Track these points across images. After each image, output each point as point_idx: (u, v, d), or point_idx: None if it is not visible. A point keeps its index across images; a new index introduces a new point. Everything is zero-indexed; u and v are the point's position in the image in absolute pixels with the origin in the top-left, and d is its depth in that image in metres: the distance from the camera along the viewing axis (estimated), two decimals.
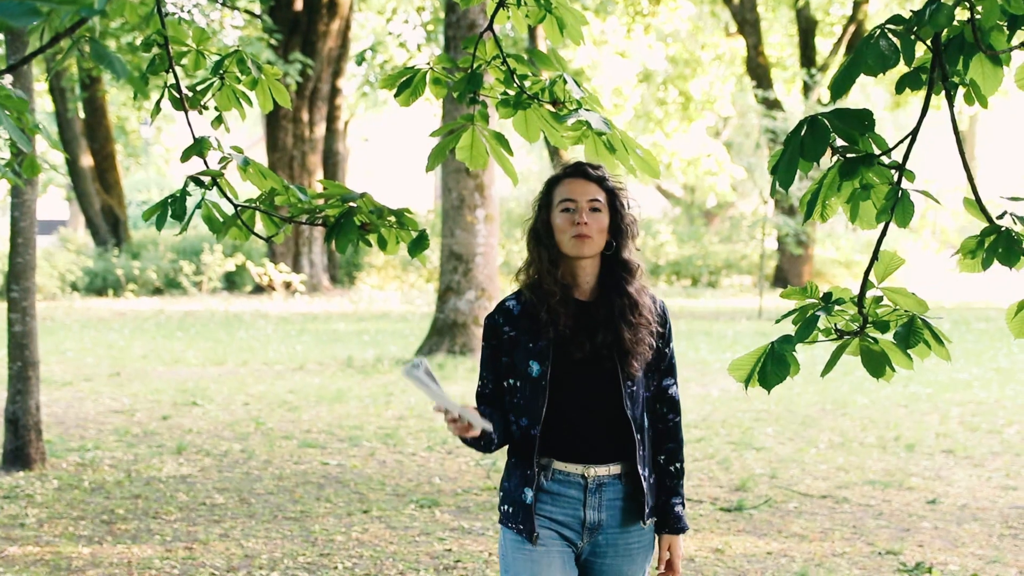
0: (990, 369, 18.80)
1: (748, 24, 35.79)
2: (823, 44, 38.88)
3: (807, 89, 34.52)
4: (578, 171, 4.58)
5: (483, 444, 4.46)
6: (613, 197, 4.55)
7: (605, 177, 4.58)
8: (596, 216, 4.47)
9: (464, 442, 4.45)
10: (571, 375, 4.44)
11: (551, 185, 4.61)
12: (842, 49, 35.83)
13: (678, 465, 4.64)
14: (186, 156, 5.40)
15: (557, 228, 4.49)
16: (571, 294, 4.51)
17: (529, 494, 4.45)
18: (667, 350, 4.64)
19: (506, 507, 4.53)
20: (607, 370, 4.46)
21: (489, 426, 4.29)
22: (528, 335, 4.47)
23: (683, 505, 4.66)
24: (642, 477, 4.49)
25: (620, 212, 4.55)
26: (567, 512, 4.48)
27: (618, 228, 4.54)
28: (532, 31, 22.57)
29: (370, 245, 5.21)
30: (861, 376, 17.25)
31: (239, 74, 5.49)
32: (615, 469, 4.48)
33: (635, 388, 4.48)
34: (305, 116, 33.45)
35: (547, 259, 4.50)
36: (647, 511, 4.53)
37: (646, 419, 4.55)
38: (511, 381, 4.51)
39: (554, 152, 32.38)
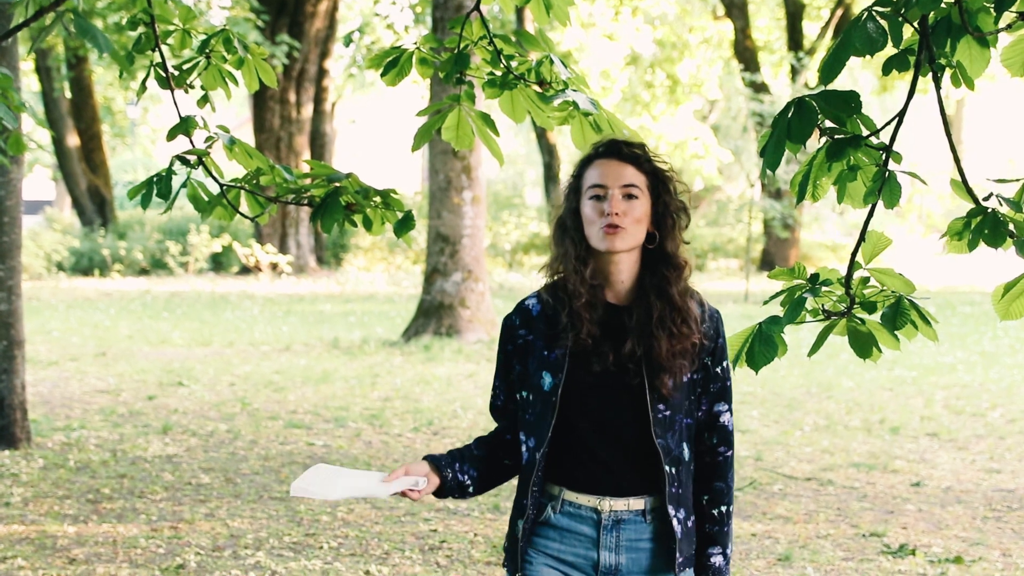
0: (975, 352, 18.85)
1: (736, 7, 35.80)
2: (811, 27, 38.92)
3: (795, 72, 34.53)
4: (611, 150, 3.93)
5: (457, 494, 3.90)
6: (656, 180, 3.90)
7: (645, 156, 3.92)
8: (631, 204, 3.82)
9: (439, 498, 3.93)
10: (588, 391, 3.82)
11: (581, 167, 3.97)
12: (829, 32, 35.86)
13: (724, 509, 3.93)
14: (172, 135, 5.39)
15: (586, 218, 3.85)
16: (601, 295, 3.87)
17: (520, 527, 3.86)
18: (718, 369, 3.93)
19: (505, 544, 3.98)
20: (633, 388, 3.81)
21: (414, 484, 3.77)
22: (544, 340, 3.87)
23: (726, 559, 3.95)
24: (673, 518, 3.81)
25: (664, 198, 3.89)
26: (578, 552, 3.85)
27: (662, 216, 3.88)
28: (519, 12, 22.55)
29: (355, 226, 5.21)
30: (846, 359, 17.29)
31: (225, 53, 5.48)
32: (637, 504, 3.83)
33: (667, 412, 3.81)
34: (292, 97, 33.41)
35: (574, 254, 3.86)
36: (679, 559, 3.84)
37: (686, 450, 3.87)
38: (523, 394, 3.91)
39: (541, 133, 32.38)
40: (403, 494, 3.78)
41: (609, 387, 3.82)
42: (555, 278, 3.93)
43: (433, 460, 3.87)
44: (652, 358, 3.79)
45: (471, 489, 3.91)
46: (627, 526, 3.83)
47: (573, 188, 3.95)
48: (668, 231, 3.87)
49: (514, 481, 4.01)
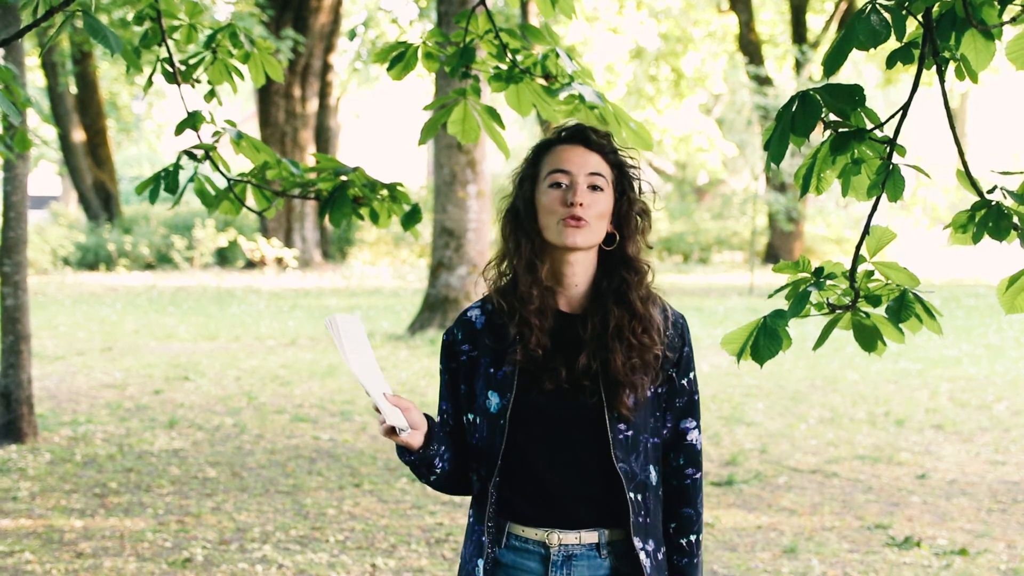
0: (980, 345, 18.85)
1: (740, 1, 35.76)
2: (815, 21, 38.85)
3: (799, 66, 34.50)
4: (577, 136, 3.51)
5: (423, 468, 3.45)
6: (621, 175, 3.52)
7: (613, 148, 3.53)
8: (596, 197, 3.42)
9: (401, 458, 3.47)
10: (538, 411, 3.41)
11: (539, 152, 3.54)
12: (834, 26, 35.81)
13: (693, 539, 3.54)
14: (180, 129, 5.41)
15: (543, 208, 3.44)
16: (552, 301, 3.45)
17: (480, 567, 3.44)
18: (684, 381, 3.54)
19: None
20: (589, 407, 3.40)
21: (403, 424, 3.31)
22: (490, 356, 3.46)
23: None
24: (641, 551, 3.42)
25: (629, 195, 3.51)
26: None
27: (625, 216, 3.50)
28: (524, 5, 22.53)
29: (363, 219, 5.23)
30: (851, 352, 17.30)
31: (231, 48, 5.51)
32: (590, 537, 3.42)
33: (629, 432, 3.41)
34: (297, 92, 33.41)
35: (528, 251, 3.44)
36: None
37: (653, 473, 3.48)
38: (470, 416, 3.50)
39: (546, 127, 32.38)
40: (385, 426, 3.30)
41: (562, 407, 3.41)
42: (501, 282, 3.51)
43: (431, 426, 3.42)
44: (609, 373, 3.39)
45: (434, 478, 3.48)
46: (579, 562, 3.42)
47: (528, 175, 3.53)
48: (630, 232, 3.49)
49: None
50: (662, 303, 3.53)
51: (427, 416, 3.40)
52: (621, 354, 3.39)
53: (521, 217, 3.49)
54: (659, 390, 3.49)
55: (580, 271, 3.46)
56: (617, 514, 3.42)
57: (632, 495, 3.40)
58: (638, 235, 3.51)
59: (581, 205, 3.39)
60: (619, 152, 3.53)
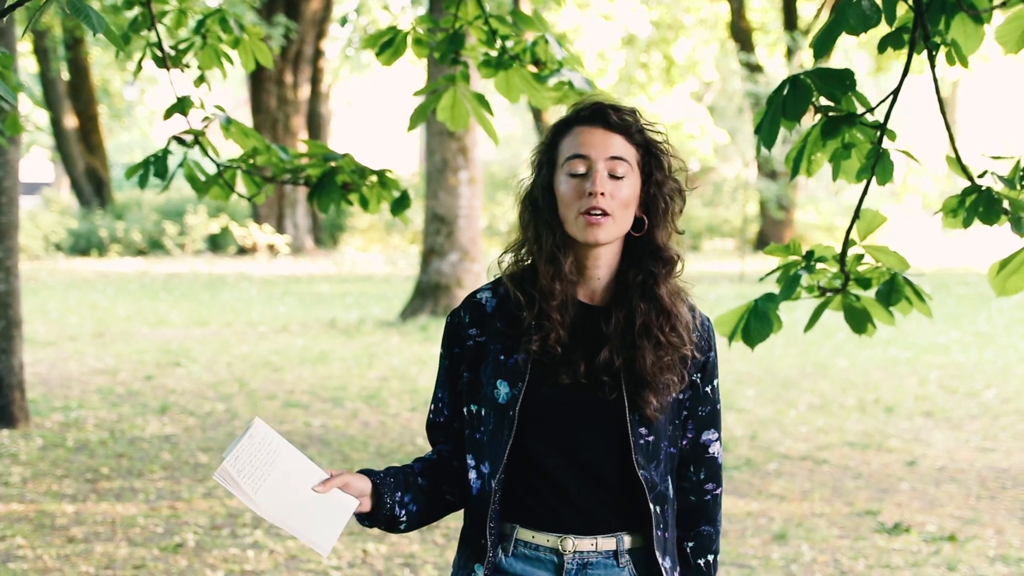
0: (969, 332, 18.88)
1: None
2: (806, 8, 38.84)
3: (790, 53, 34.50)
4: (596, 115, 3.13)
5: (384, 527, 3.16)
6: (648, 155, 3.15)
7: (637, 126, 3.14)
8: (618, 184, 3.07)
9: (360, 523, 3.16)
10: (553, 407, 3.09)
11: (557, 134, 3.18)
12: (824, 12, 35.80)
13: (711, 559, 3.27)
14: (169, 114, 5.42)
15: (562, 198, 3.09)
16: (573, 292, 3.13)
17: (479, 573, 3.13)
18: (708, 389, 3.22)
19: None
20: (609, 405, 3.08)
21: (324, 548, 2.96)
22: (501, 343, 3.13)
23: None
24: (662, 567, 3.13)
25: (657, 176, 3.14)
26: None
27: (654, 199, 3.14)
28: None
29: (351, 204, 5.24)
30: (841, 339, 17.32)
31: (221, 33, 5.51)
32: (607, 543, 3.11)
33: (651, 438, 3.10)
34: (289, 78, 33.38)
35: (550, 243, 3.10)
36: None
37: (670, 486, 3.17)
38: (472, 408, 3.16)
39: (537, 114, 32.38)
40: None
41: (579, 404, 3.09)
42: (518, 268, 3.18)
43: (376, 482, 3.10)
44: (634, 371, 3.07)
45: (403, 526, 3.17)
46: (595, 571, 3.10)
47: (546, 159, 3.17)
48: (659, 218, 3.14)
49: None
50: (690, 301, 3.21)
51: (367, 473, 3.10)
52: (651, 352, 3.07)
53: (540, 206, 3.13)
54: (682, 396, 3.17)
55: (603, 263, 3.13)
56: (633, 521, 3.12)
57: (654, 507, 3.09)
58: (667, 221, 3.15)
59: (602, 195, 3.04)
60: (645, 130, 3.14)
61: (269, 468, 2.91)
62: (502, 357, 3.11)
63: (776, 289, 3.51)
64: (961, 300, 23.84)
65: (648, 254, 3.13)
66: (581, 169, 3.06)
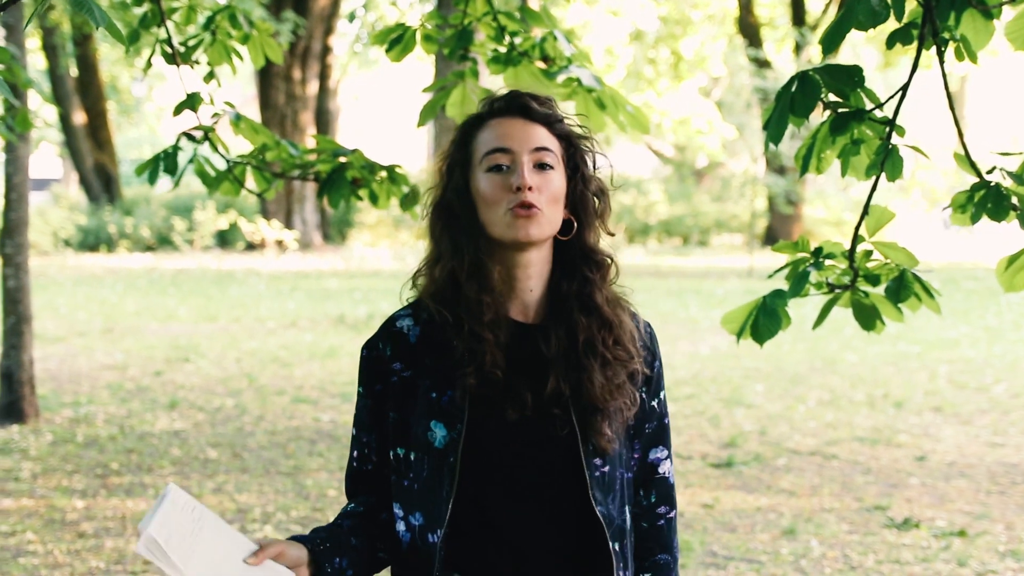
0: (978, 327, 18.87)
1: None
2: (814, 3, 38.81)
3: (798, 48, 34.47)
4: (514, 105, 2.82)
5: None
6: (571, 148, 2.83)
7: (556, 116, 2.84)
8: (546, 177, 2.75)
9: None
10: (499, 447, 2.72)
11: (469, 131, 2.85)
12: (833, 8, 35.77)
13: None
14: (178, 110, 5.42)
15: (482, 198, 2.75)
16: (504, 310, 2.77)
17: None
18: (655, 403, 2.90)
19: None
20: (562, 440, 2.73)
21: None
22: (431, 378, 2.75)
23: None
24: None
25: (583, 172, 2.83)
26: None
27: (581, 197, 2.82)
28: None
29: (361, 200, 5.24)
30: (850, 334, 17.31)
31: (231, 30, 5.51)
32: None
33: (606, 468, 2.76)
34: (297, 74, 33.40)
35: (472, 252, 2.75)
36: None
37: (628, 516, 2.84)
38: (400, 451, 2.79)
39: None
40: None
41: (528, 443, 2.73)
42: (436, 287, 2.79)
43: (311, 550, 2.74)
44: (583, 398, 2.73)
45: None
46: None
47: (458, 160, 2.82)
48: (589, 217, 2.82)
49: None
50: (629, 307, 2.87)
51: (299, 539, 2.74)
52: (598, 373, 2.74)
53: (456, 212, 2.78)
54: (630, 416, 2.83)
55: (535, 272, 2.78)
56: (594, 568, 2.77)
57: (614, 545, 2.76)
58: (597, 220, 2.84)
59: (530, 189, 2.71)
60: (567, 121, 2.84)
61: (195, 538, 2.59)
62: (434, 394, 2.74)
63: (785, 286, 3.51)
64: (970, 295, 23.82)
65: (580, 259, 2.81)
66: (504, 162, 2.74)
